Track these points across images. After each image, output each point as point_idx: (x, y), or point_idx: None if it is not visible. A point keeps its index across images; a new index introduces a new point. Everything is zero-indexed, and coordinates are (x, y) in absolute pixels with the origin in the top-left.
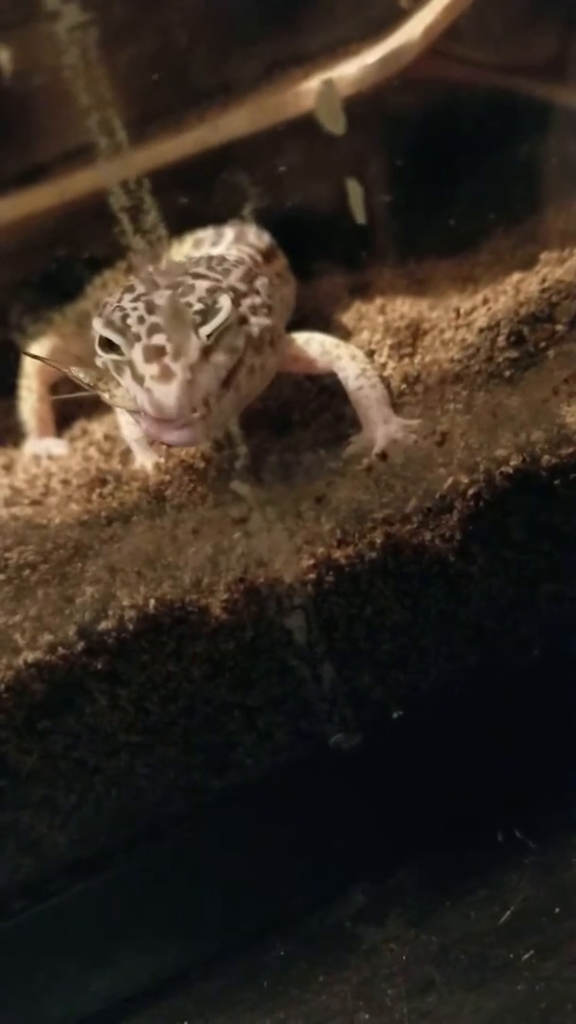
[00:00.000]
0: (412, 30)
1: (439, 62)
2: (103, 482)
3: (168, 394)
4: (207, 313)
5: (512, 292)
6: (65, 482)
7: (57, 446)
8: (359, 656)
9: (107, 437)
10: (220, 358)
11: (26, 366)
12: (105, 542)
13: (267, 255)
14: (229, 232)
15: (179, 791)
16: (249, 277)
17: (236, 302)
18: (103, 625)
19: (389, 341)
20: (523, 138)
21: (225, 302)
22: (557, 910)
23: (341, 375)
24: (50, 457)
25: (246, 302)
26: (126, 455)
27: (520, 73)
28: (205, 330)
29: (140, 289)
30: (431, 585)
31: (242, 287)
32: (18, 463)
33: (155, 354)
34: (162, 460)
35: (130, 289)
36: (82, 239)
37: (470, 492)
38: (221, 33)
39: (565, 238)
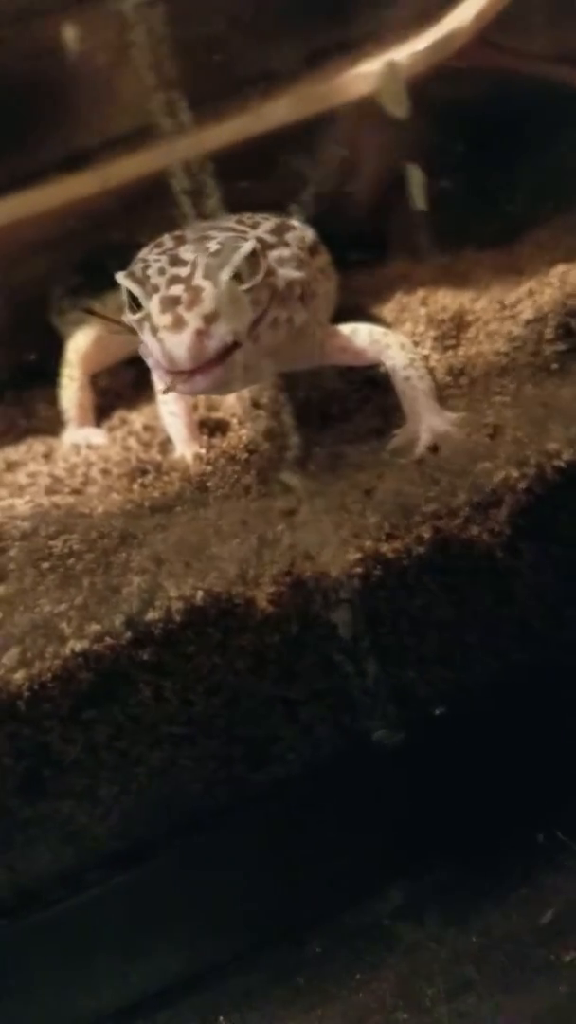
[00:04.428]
0: (462, 16)
1: (487, 50)
2: (143, 472)
3: (179, 344)
4: (225, 259)
5: (558, 284)
6: (105, 471)
7: (96, 435)
8: (403, 651)
9: (146, 427)
10: (238, 309)
11: (69, 354)
12: (149, 532)
13: (311, 250)
14: (266, 224)
15: (220, 783)
16: (280, 230)
17: (262, 252)
18: (150, 616)
19: (432, 333)
20: (566, 129)
21: (246, 248)
22: None
23: (389, 364)
24: (89, 446)
25: (273, 253)
26: (165, 445)
27: (566, 63)
28: (223, 277)
29: (167, 244)
30: (478, 580)
31: (271, 239)
32: (57, 452)
33: (170, 304)
34: (203, 451)
35: (158, 244)
36: (125, 227)
37: (520, 486)
38: (264, 20)
39: None
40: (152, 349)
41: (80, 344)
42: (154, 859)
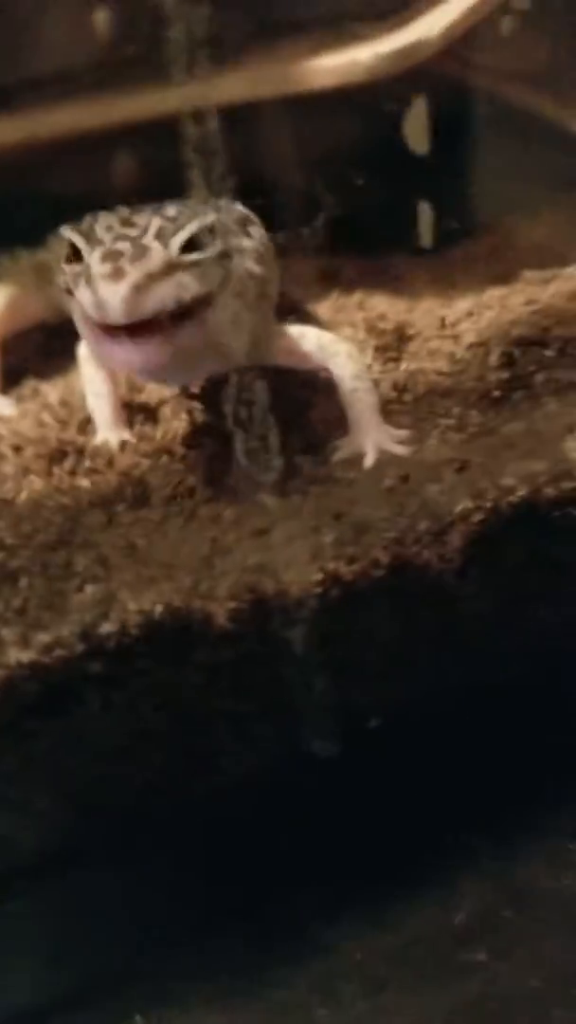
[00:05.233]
0: (430, 27)
1: (451, 62)
2: (63, 454)
3: (113, 293)
4: (180, 225)
5: (498, 308)
6: (16, 448)
7: (4, 404)
8: (347, 668)
9: (63, 402)
10: (186, 279)
11: None
12: (92, 531)
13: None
14: (232, 211)
15: (159, 794)
16: (245, 221)
17: (223, 234)
18: (105, 628)
19: (374, 342)
20: (510, 146)
21: (205, 219)
22: (508, 914)
23: (336, 372)
24: None
25: (234, 241)
26: (85, 426)
27: (519, 82)
28: (175, 240)
29: (123, 211)
30: (426, 603)
31: (233, 226)
32: None
33: (113, 257)
34: (130, 438)
35: (115, 209)
36: (47, 182)
37: (475, 518)
38: None
39: (541, 252)
40: (83, 299)
41: None
42: (82, 868)
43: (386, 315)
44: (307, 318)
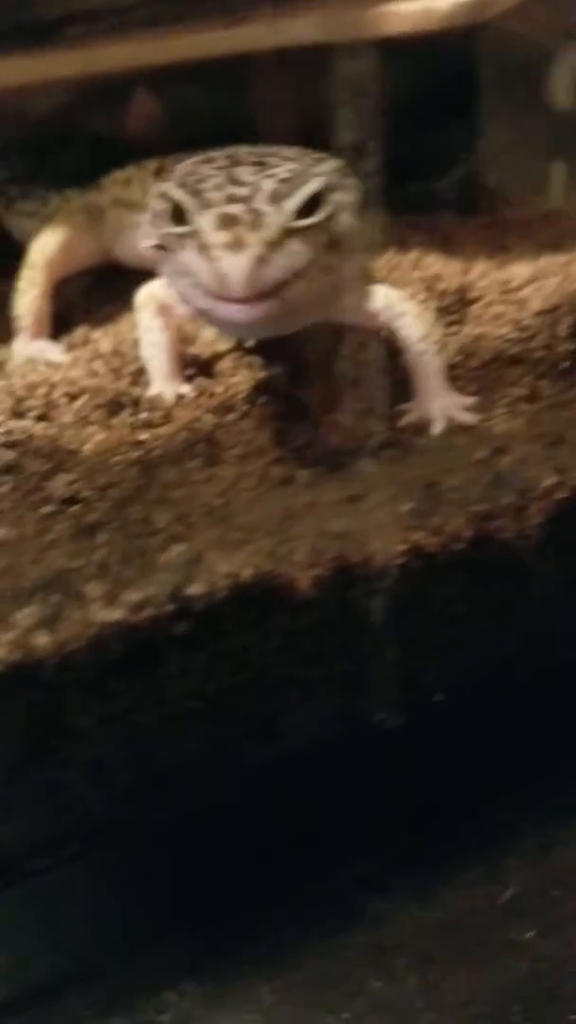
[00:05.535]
0: None
1: (525, 17)
2: (120, 406)
3: (236, 265)
4: (293, 189)
5: (562, 275)
6: (71, 397)
7: (53, 351)
8: (418, 641)
9: (115, 352)
10: (299, 245)
11: (33, 255)
12: (165, 486)
13: None
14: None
15: (223, 759)
16: (342, 173)
17: (327, 192)
18: (194, 589)
19: (434, 304)
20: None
21: (316, 182)
22: (556, 892)
23: (402, 334)
24: (47, 363)
25: (335, 196)
26: (139, 376)
27: None
28: (289, 205)
29: (220, 161)
30: (501, 579)
31: (335, 179)
32: (8, 364)
33: (228, 222)
34: (187, 391)
35: (208, 160)
36: (91, 117)
37: (558, 495)
38: None
39: None
40: (198, 268)
41: (48, 246)
42: (146, 830)
43: (441, 276)
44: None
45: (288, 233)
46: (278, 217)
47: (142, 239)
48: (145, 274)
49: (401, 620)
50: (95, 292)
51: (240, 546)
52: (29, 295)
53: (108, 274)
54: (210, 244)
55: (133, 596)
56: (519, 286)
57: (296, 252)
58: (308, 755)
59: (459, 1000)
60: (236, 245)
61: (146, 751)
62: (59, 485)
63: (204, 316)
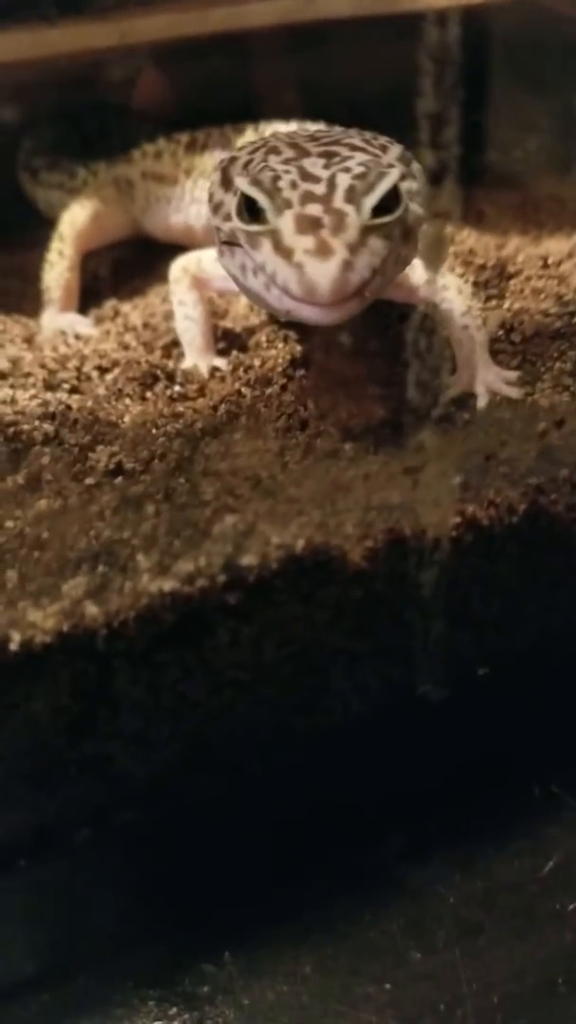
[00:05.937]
0: None
1: None
2: (154, 379)
3: (324, 273)
4: (370, 185)
5: None
6: (102, 369)
7: (82, 323)
8: (466, 615)
9: (146, 325)
10: (378, 243)
11: (62, 228)
12: (209, 458)
13: None
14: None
15: (265, 730)
16: (406, 159)
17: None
18: (246, 560)
19: (473, 278)
20: None
21: (392, 176)
22: None
23: (444, 308)
24: (77, 336)
25: (404, 185)
26: (171, 349)
27: None
28: (368, 202)
29: (287, 152)
30: (551, 555)
31: (401, 168)
32: (38, 336)
33: (310, 226)
34: (222, 365)
35: (273, 150)
36: (121, 89)
37: None
38: None
39: None
40: (278, 270)
41: (77, 218)
42: (185, 798)
43: (475, 251)
44: None
45: (368, 231)
46: (359, 217)
47: (172, 213)
48: (174, 247)
49: (451, 593)
50: (123, 265)
51: (291, 518)
52: (58, 267)
53: (137, 247)
54: (292, 248)
55: (185, 567)
56: (558, 261)
57: (376, 250)
58: (353, 727)
59: (502, 971)
60: (322, 252)
61: (194, 721)
62: (101, 457)
63: (291, 316)
